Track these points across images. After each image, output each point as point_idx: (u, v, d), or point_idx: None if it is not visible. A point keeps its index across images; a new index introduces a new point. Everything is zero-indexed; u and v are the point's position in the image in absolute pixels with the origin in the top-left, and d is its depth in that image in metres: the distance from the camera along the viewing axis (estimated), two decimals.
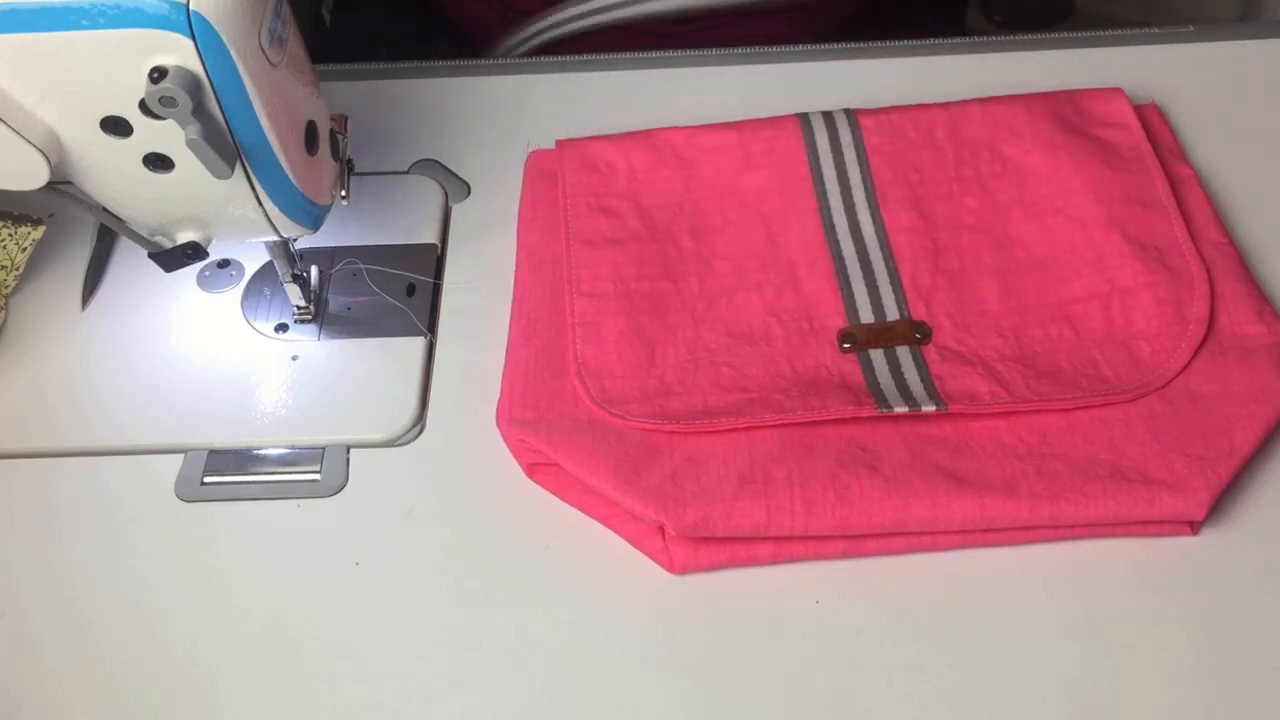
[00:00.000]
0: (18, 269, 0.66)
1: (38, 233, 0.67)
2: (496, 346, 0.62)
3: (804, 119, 0.67)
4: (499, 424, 0.58)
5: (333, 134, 0.56)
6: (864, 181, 0.65)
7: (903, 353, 0.58)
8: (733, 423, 0.55)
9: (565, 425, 0.56)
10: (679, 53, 0.77)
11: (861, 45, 0.76)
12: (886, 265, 0.62)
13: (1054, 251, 0.61)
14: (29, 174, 0.48)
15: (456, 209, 0.69)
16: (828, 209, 0.64)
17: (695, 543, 0.53)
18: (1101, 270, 0.60)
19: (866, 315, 0.60)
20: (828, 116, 0.67)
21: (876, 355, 0.58)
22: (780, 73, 0.76)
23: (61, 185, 0.50)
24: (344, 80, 0.76)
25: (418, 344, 0.62)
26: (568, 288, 0.61)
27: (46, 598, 0.54)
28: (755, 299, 0.61)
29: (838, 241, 0.63)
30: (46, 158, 0.47)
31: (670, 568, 0.53)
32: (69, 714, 0.51)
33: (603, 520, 0.55)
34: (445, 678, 0.51)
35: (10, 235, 0.67)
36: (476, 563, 0.55)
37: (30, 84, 0.46)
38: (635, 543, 0.54)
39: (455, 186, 0.70)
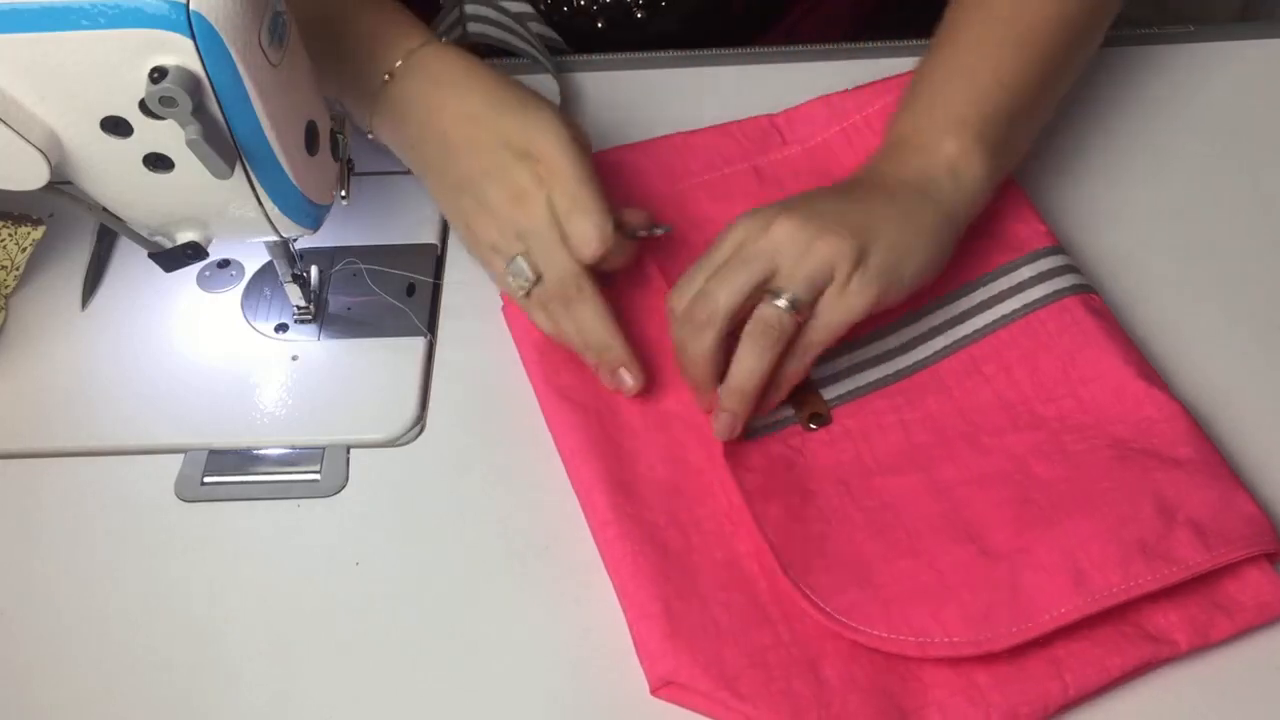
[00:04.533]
0: (18, 269, 0.66)
1: (38, 233, 0.67)
2: (497, 346, 0.62)
3: None
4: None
5: (333, 134, 0.56)
6: None
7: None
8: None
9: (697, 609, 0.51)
10: (676, 53, 0.77)
11: (865, 46, 0.76)
12: None
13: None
14: (29, 174, 0.48)
15: None
16: None
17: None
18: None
19: None
20: None
21: None
22: (798, 71, 0.75)
23: (61, 185, 0.50)
24: None
25: (418, 344, 0.62)
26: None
27: (46, 597, 0.54)
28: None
29: None
30: (46, 158, 0.47)
31: (650, 685, 0.50)
32: (69, 713, 0.51)
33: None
34: (445, 678, 0.51)
35: (10, 235, 0.67)
36: (476, 563, 0.55)
37: (30, 84, 0.46)
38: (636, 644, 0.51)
39: None
